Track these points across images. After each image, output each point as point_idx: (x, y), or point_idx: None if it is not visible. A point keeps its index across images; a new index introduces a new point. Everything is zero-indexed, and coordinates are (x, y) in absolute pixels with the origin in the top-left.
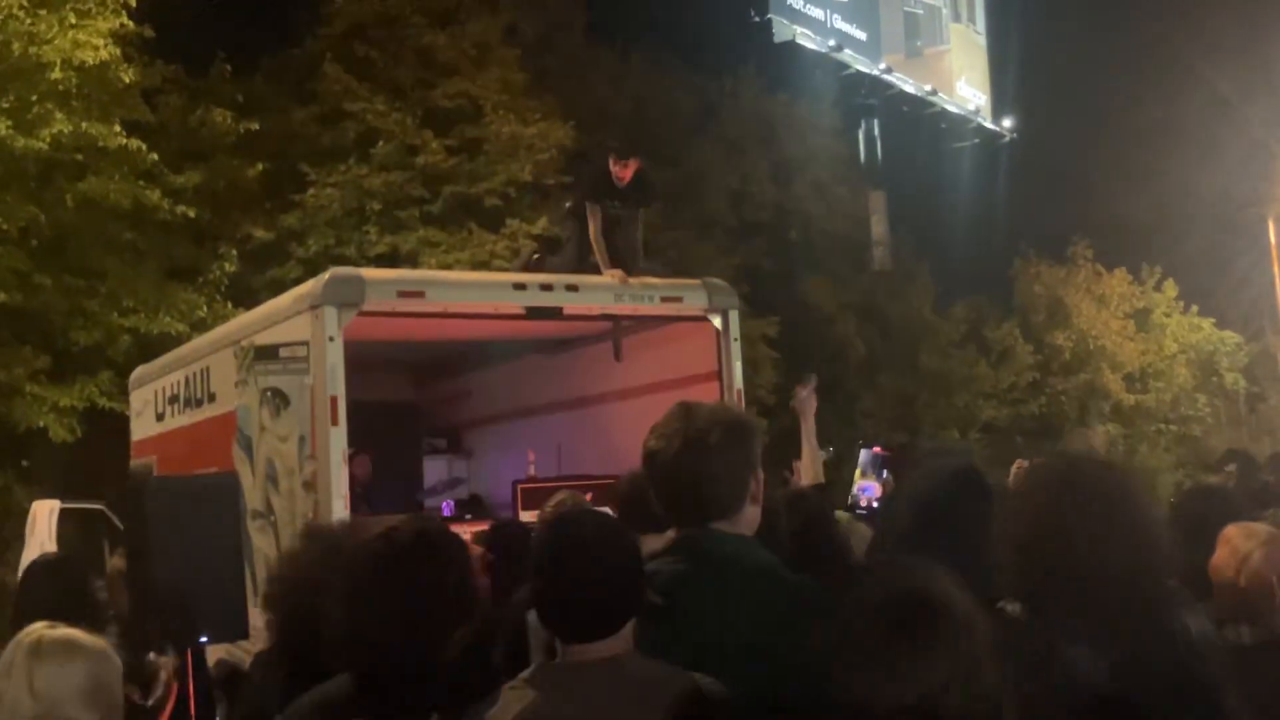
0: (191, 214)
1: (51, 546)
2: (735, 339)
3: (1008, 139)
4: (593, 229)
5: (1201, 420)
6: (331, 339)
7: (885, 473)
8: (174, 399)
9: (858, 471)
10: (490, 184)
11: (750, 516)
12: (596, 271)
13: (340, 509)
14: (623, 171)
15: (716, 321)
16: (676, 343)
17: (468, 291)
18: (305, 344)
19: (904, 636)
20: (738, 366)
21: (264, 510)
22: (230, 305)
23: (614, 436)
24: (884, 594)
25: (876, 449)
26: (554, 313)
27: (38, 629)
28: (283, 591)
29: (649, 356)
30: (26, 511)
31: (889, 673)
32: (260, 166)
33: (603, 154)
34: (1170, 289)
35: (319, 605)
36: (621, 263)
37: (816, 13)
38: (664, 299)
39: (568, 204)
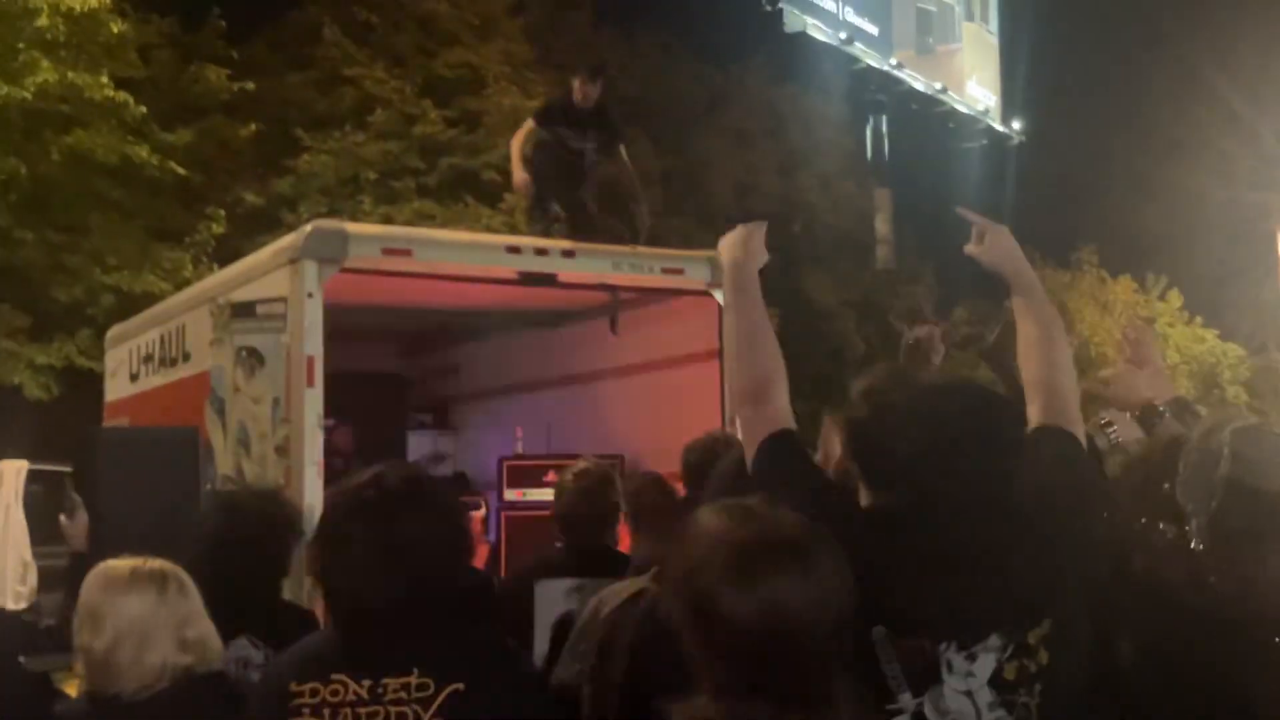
0: (181, 171)
1: (17, 506)
2: None
3: (1016, 141)
4: (517, 138)
5: None
6: (310, 295)
7: None
8: (148, 358)
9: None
10: (489, 157)
11: None
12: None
13: (313, 476)
14: (586, 90)
15: (719, 297)
16: (676, 318)
17: (458, 252)
18: (283, 300)
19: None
20: None
21: (235, 476)
22: (217, 268)
23: (607, 415)
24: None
25: None
26: (548, 279)
27: None
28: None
29: (647, 332)
30: None
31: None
32: (253, 126)
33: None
34: (1175, 299)
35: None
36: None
37: (828, 4)
38: (665, 270)
39: None
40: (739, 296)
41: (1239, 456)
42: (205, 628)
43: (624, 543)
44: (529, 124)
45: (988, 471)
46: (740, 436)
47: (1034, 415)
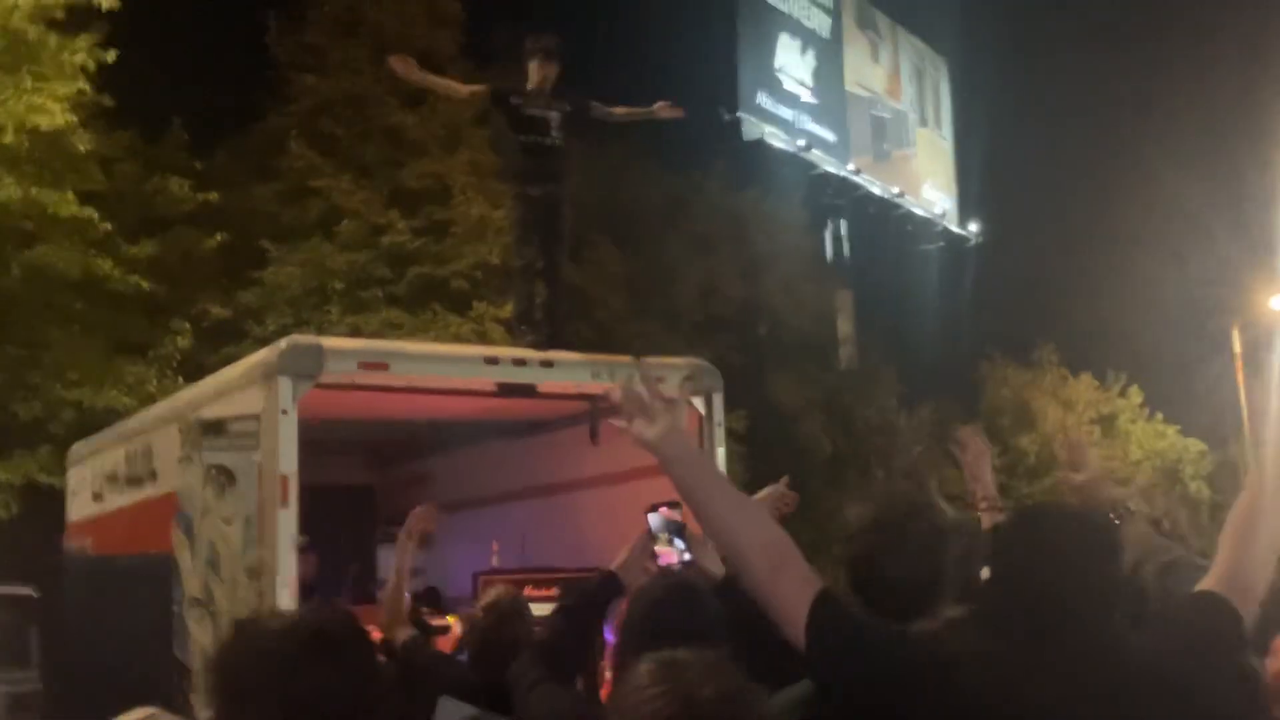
0: (144, 285)
1: None
2: (719, 424)
3: (973, 242)
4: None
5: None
6: (285, 412)
7: (679, 540)
8: (113, 477)
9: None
10: (457, 266)
11: None
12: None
13: (286, 599)
14: (545, 70)
15: (699, 405)
16: None
17: (435, 365)
18: (256, 417)
19: None
20: (721, 453)
21: (204, 599)
22: (181, 381)
23: (585, 526)
24: None
25: (664, 509)
26: (527, 390)
27: None
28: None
29: (625, 441)
30: None
31: None
32: (218, 238)
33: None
34: (1135, 395)
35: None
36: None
37: (786, 113)
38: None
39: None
40: (696, 470)
41: (1165, 592)
42: None
43: None
44: (481, 88)
45: (1085, 609)
46: (772, 607)
47: (1211, 581)
